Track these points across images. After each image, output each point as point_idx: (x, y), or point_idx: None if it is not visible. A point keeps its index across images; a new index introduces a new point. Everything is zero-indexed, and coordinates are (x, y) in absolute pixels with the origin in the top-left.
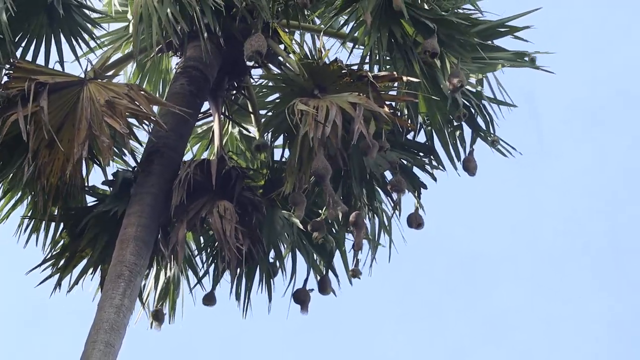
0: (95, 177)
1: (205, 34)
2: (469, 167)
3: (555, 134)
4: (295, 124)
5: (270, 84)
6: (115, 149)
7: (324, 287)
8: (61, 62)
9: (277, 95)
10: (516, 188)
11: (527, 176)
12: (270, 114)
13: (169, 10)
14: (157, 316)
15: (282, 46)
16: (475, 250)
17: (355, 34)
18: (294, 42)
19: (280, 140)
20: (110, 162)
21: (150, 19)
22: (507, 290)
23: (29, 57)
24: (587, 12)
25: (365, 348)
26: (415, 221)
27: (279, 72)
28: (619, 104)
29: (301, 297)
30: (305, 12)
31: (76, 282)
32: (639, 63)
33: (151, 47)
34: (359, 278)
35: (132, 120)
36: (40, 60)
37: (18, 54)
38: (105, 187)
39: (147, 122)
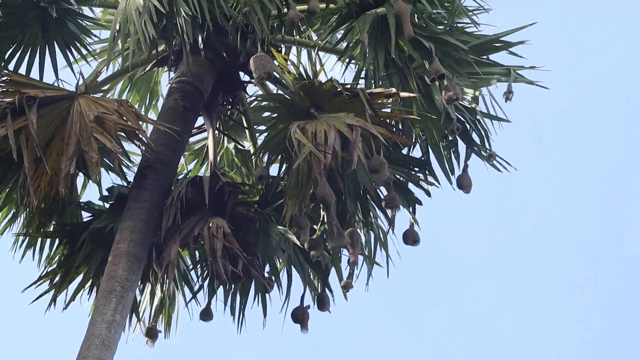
0: (91, 192)
1: (203, 48)
2: (464, 184)
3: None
4: (294, 148)
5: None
6: (109, 162)
7: (323, 304)
8: (55, 72)
9: (272, 113)
10: (490, 194)
11: (502, 182)
12: (266, 133)
13: (145, 24)
14: (151, 333)
15: (276, 62)
16: (451, 254)
17: (352, 52)
18: (288, 62)
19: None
20: (106, 176)
21: (129, 31)
22: (483, 293)
23: (22, 67)
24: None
25: (347, 353)
26: (411, 237)
27: (275, 90)
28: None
29: (299, 316)
30: (301, 28)
31: (72, 299)
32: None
33: (136, 60)
34: (349, 290)
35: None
36: (35, 70)
37: (12, 64)
38: (100, 203)
39: (137, 142)
